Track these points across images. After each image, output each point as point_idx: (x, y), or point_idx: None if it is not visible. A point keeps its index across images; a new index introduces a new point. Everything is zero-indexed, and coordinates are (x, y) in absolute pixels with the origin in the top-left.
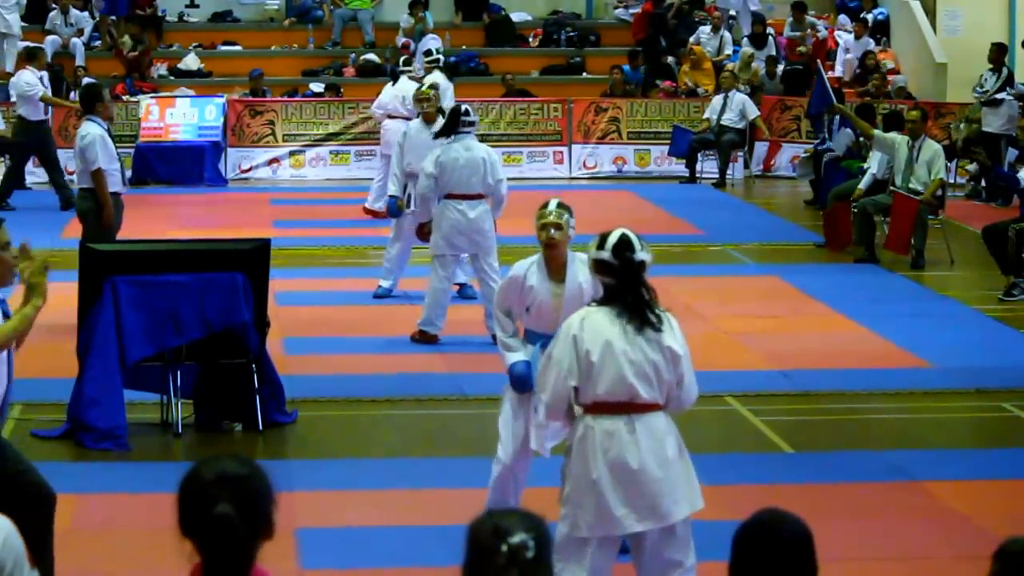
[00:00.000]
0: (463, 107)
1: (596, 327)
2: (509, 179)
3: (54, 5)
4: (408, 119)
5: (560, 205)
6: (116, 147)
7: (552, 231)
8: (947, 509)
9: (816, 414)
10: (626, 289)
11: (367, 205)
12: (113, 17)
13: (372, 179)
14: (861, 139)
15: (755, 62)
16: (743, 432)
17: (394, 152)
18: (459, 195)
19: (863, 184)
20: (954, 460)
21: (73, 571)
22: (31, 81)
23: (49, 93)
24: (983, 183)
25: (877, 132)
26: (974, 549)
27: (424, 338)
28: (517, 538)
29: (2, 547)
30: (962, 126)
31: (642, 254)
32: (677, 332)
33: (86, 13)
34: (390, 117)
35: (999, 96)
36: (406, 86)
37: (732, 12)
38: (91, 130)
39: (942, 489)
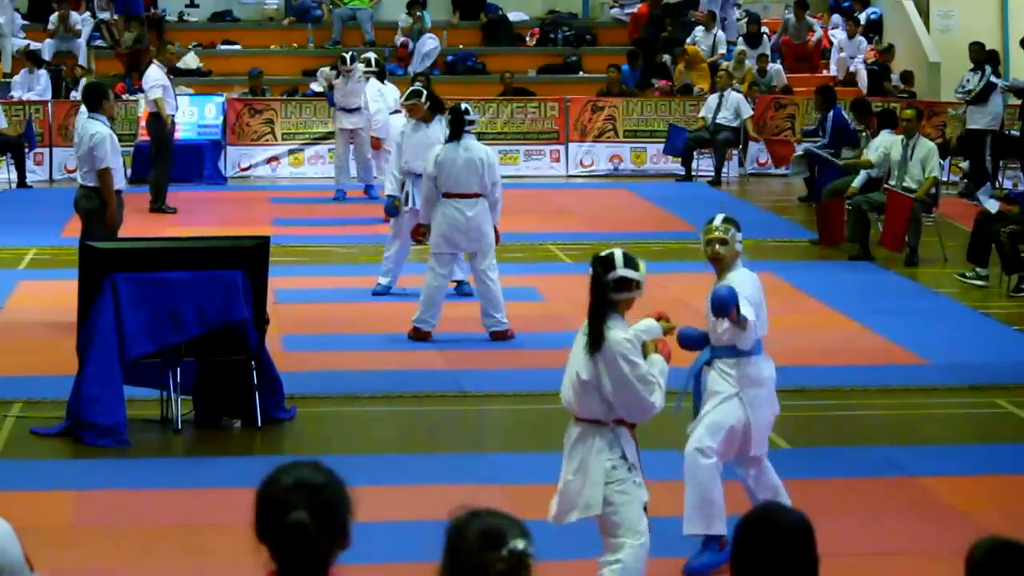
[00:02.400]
0: (464, 106)
1: (578, 337)
2: (506, 177)
3: (55, 7)
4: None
5: (726, 220)
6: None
7: (717, 246)
8: (942, 504)
9: (811, 410)
10: (591, 304)
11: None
12: (115, 16)
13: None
14: (860, 131)
15: (747, 60)
16: None
17: (392, 151)
18: (457, 194)
19: (857, 182)
20: (949, 456)
21: (73, 567)
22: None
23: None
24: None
25: (874, 157)
26: (969, 544)
27: (418, 335)
28: (520, 544)
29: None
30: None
31: (622, 272)
32: (602, 358)
33: (87, 13)
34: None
35: (995, 81)
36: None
37: (717, 12)
38: (100, 129)
39: (937, 484)
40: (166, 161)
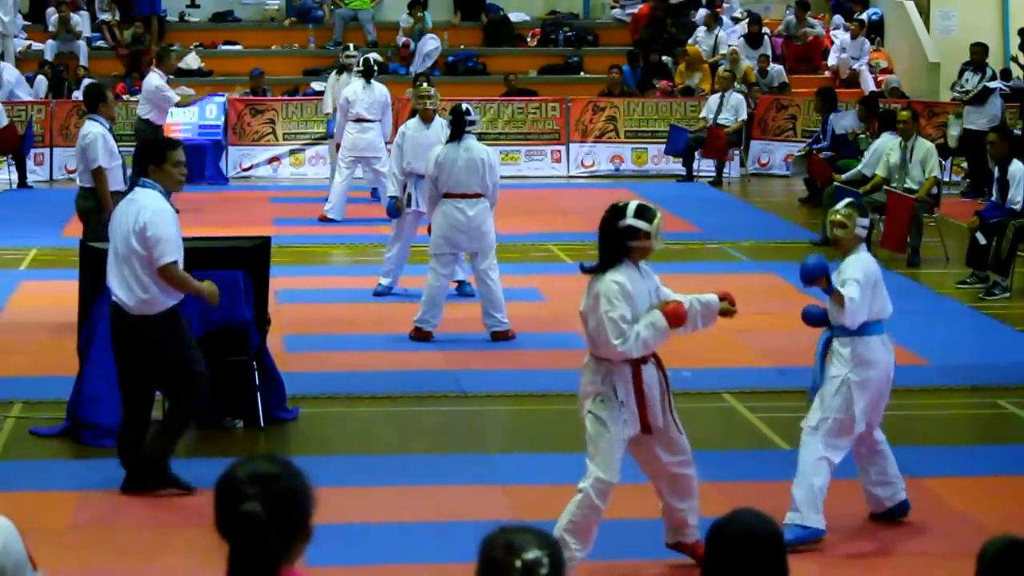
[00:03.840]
0: (464, 107)
1: None
2: (507, 177)
3: (54, 9)
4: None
5: (849, 205)
6: (118, 145)
7: (836, 229)
8: (943, 505)
9: None
10: (599, 244)
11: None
12: (116, 17)
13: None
14: (861, 134)
15: (744, 60)
16: (740, 429)
17: (393, 152)
18: (458, 194)
19: (848, 175)
20: (950, 456)
21: (74, 568)
22: (161, 85)
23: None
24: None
25: (880, 170)
26: (970, 545)
27: (419, 335)
28: (532, 554)
29: (2, 550)
30: (955, 127)
31: (630, 220)
32: (590, 292)
33: (86, 13)
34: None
35: (991, 84)
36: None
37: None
38: (92, 129)
39: (938, 485)
40: None
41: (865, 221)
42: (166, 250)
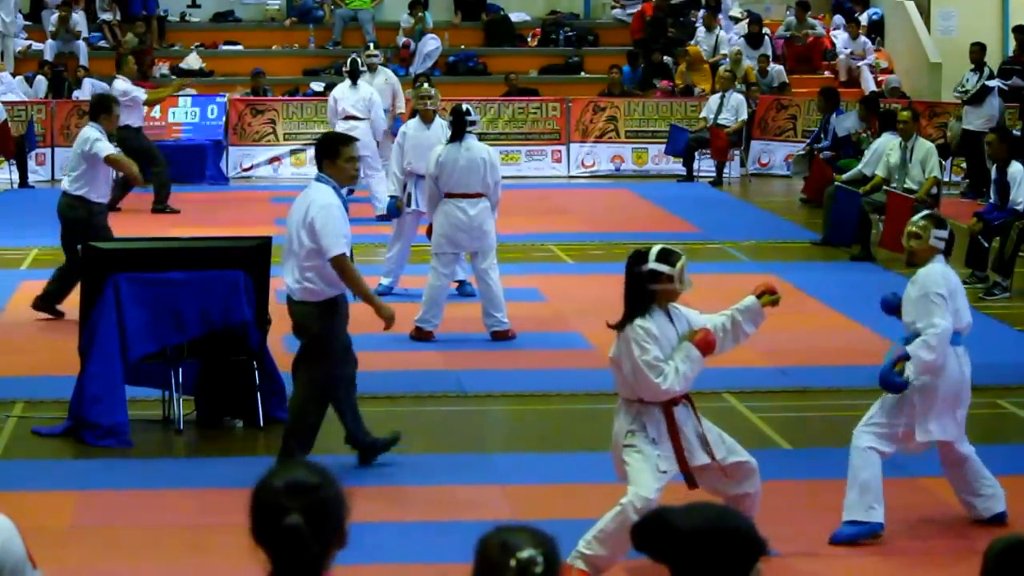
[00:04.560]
0: (465, 107)
1: None
2: (508, 177)
3: (54, 9)
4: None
5: (926, 216)
6: (120, 145)
7: (911, 240)
8: (943, 504)
9: (813, 410)
10: (625, 291)
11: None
12: (117, 17)
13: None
14: (863, 134)
15: (745, 60)
16: (740, 429)
17: (394, 152)
18: (459, 194)
19: (848, 175)
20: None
21: (75, 567)
22: (127, 89)
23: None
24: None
25: (880, 170)
26: (970, 544)
27: (420, 335)
28: (526, 553)
29: (1, 549)
30: (956, 126)
31: (652, 265)
32: (621, 339)
33: (83, 14)
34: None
35: (990, 83)
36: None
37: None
38: (91, 134)
39: (937, 485)
40: (160, 162)
41: (942, 232)
42: (332, 243)
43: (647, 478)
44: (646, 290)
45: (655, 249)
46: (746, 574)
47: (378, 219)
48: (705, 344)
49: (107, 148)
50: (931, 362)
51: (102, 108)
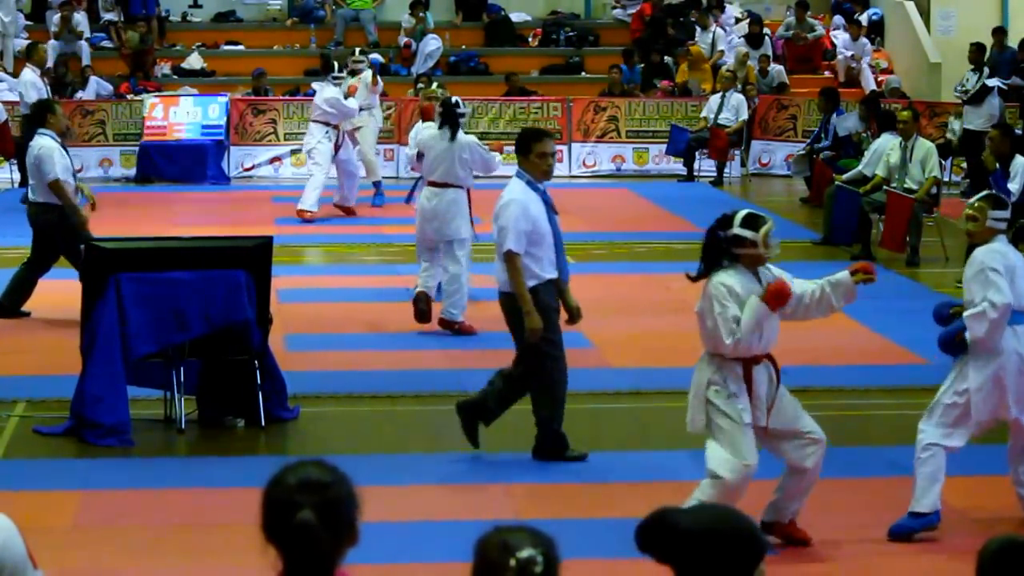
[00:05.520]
0: (455, 99)
1: None
2: (509, 177)
3: (56, 9)
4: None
5: (983, 198)
6: (121, 145)
7: (968, 223)
8: (943, 504)
9: (814, 410)
10: (705, 247)
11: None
12: (120, 18)
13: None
14: (863, 134)
15: (749, 61)
16: None
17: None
18: (430, 182)
19: (848, 175)
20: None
21: (78, 567)
22: (34, 80)
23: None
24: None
25: (880, 170)
26: (970, 544)
27: (444, 325)
28: (526, 553)
29: (1, 549)
30: (956, 124)
31: (736, 230)
32: (704, 294)
33: (87, 13)
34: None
35: (990, 82)
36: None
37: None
38: (44, 143)
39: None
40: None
41: (1001, 213)
42: (506, 238)
43: (738, 441)
44: (724, 252)
45: (741, 214)
46: (749, 575)
47: (406, 200)
48: (774, 293)
49: (57, 171)
50: (983, 336)
51: (46, 110)
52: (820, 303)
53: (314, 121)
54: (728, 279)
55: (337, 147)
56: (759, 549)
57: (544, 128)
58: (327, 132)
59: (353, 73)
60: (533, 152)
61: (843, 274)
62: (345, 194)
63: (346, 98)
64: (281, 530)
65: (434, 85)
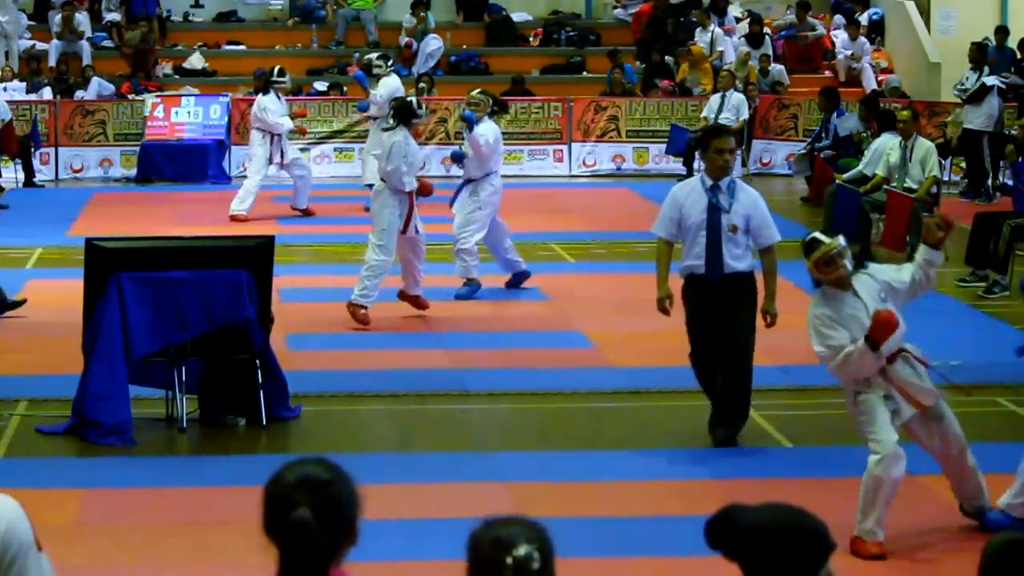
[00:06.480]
0: (415, 101)
1: None
2: (510, 177)
3: (58, 9)
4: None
5: None
6: (121, 145)
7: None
8: (943, 502)
9: (814, 409)
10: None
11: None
12: (122, 19)
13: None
14: (863, 134)
15: (751, 61)
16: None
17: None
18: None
19: (849, 175)
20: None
21: (79, 565)
22: None
23: None
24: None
25: (880, 169)
26: (969, 542)
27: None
28: (522, 551)
29: (6, 531)
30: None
31: (808, 266)
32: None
33: (87, 14)
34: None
35: (989, 81)
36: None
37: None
38: None
39: (937, 483)
40: None
41: None
42: (656, 224)
43: (881, 434)
44: (816, 279)
45: (807, 239)
46: (816, 572)
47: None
48: (881, 327)
49: None
50: None
51: None
52: (929, 279)
53: (254, 128)
54: (819, 309)
55: (272, 156)
56: (825, 548)
57: (723, 126)
58: (263, 137)
59: (376, 79)
60: (711, 148)
61: (922, 249)
62: (296, 197)
63: (293, 118)
64: (278, 526)
65: (474, 92)
